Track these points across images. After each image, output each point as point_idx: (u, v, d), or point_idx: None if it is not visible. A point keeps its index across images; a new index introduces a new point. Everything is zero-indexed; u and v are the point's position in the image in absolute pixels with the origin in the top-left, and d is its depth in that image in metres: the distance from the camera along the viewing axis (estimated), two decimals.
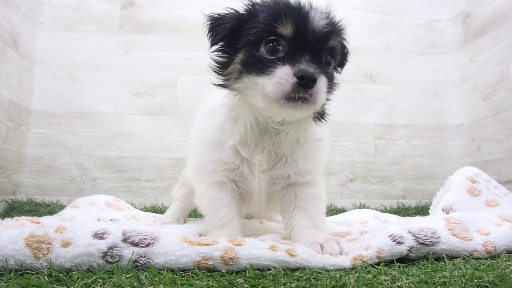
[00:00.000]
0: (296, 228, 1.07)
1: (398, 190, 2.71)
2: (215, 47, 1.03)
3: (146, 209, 2.17)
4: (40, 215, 1.75)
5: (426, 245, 0.97)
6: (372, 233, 1.03)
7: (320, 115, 1.08)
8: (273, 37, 0.93)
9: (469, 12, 2.71)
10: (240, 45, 0.98)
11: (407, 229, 1.00)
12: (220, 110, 1.09)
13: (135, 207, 2.08)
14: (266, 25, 0.93)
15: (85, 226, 0.88)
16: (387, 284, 0.74)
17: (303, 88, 0.88)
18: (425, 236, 0.98)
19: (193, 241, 0.88)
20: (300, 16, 0.92)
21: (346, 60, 1.17)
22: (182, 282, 0.75)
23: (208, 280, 0.74)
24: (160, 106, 2.51)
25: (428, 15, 2.92)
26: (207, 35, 1.01)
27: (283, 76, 0.89)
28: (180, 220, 1.67)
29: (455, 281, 0.74)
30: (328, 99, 1.05)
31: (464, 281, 0.74)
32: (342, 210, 2.27)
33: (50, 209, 2.03)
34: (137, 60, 2.55)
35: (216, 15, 1.03)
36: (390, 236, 0.96)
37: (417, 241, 0.96)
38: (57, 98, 2.44)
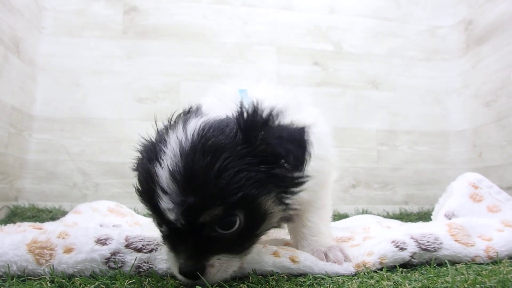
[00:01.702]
0: (299, 237, 1.04)
1: (401, 195, 2.70)
2: None
3: (148, 215, 2.17)
4: (42, 221, 1.75)
5: (429, 251, 0.96)
6: (375, 239, 1.03)
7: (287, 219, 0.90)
8: (150, 211, 0.77)
9: (471, 19, 2.72)
10: None
11: (409, 235, 1.00)
12: None
13: (137, 213, 2.08)
14: (140, 195, 0.78)
15: (88, 232, 0.89)
16: None
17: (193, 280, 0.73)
18: (427, 242, 0.98)
19: None
20: (154, 202, 0.72)
21: (300, 165, 0.76)
22: None
23: (211, 286, 0.74)
24: (163, 111, 2.49)
25: (430, 22, 2.93)
26: None
27: (172, 265, 0.77)
28: None
29: (457, 286, 0.74)
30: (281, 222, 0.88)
31: (466, 286, 0.74)
32: (345, 216, 2.26)
33: (53, 215, 2.03)
34: (140, 66, 2.56)
35: None
36: (393, 242, 0.96)
37: (420, 247, 0.96)
38: (59, 104, 2.46)
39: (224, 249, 0.75)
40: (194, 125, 0.76)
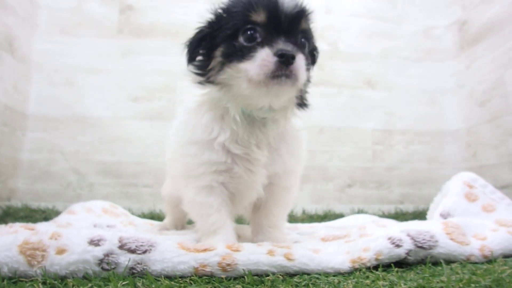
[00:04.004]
0: (258, 224, 1.18)
1: (396, 195, 2.71)
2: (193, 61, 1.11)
3: (144, 215, 2.16)
4: (35, 221, 1.73)
5: (424, 248, 0.97)
6: (372, 236, 1.03)
7: (302, 101, 1.14)
8: (249, 26, 0.99)
9: (466, 19, 2.73)
10: (218, 41, 1.04)
11: (406, 232, 1.00)
12: (202, 109, 1.12)
13: (132, 213, 2.06)
14: (240, 16, 1.00)
15: (80, 233, 0.88)
16: None
17: (284, 65, 0.94)
18: (423, 239, 0.98)
19: (191, 248, 0.88)
20: (271, 1, 0.99)
21: (317, 52, 1.26)
22: None
23: (206, 287, 0.73)
24: (158, 111, 2.50)
25: (425, 22, 2.94)
26: (186, 55, 1.10)
27: (264, 57, 0.95)
28: (178, 226, 1.66)
29: (452, 286, 0.74)
30: (308, 81, 1.14)
31: (461, 285, 0.74)
32: (340, 215, 2.27)
33: (46, 215, 2.01)
34: (135, 65, 2.55)
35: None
36: (389, 238, 0.97)
37: (415, 245, 0.96)
38: (54, 103, 2.43)
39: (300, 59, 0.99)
40: None
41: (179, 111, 1.33)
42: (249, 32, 0.99)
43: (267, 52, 0.95)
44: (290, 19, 1.00)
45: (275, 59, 0.94)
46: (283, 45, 0.96)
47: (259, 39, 0.99)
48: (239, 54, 0.99)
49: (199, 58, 1.10)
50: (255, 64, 0.96)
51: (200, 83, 1.09)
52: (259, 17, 0.99)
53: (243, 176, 1.09)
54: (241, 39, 1.00)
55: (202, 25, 1.10)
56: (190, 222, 1.92)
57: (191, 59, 1.09)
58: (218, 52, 1.04)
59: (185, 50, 1.10)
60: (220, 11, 1.08)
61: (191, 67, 1.10)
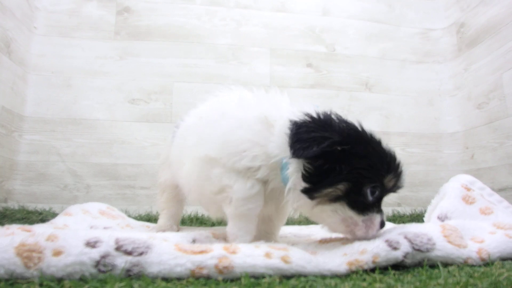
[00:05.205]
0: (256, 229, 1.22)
1: (393, 197, 2.71)
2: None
3: (140, 217, 2.15)
4: (32, 223, 1.72)
5: (422, 251, 0.96)
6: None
7: None
8: (380, 186, 1.02)
9: (464, 22, 2.74)
10: (344, 173, 0.98)
11: (403, 234, 1.00)
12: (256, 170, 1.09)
13: (129, 215, 2.06)
14: (377, 172, 1.01)
15: (77, 235, 0.87)
16: None
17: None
18: (420, 242, 0.98)
19: (187, 250, 0.87)
20: (400, 174, 1.05)
21: None
22: None
23: None
24: (155, 113, 2.50)
25: (423, 25, 2.96)
26: (302, 141, 0.97)
27: (376, 223, 1.02)
28: (174, 226, 1.66)
29: None
30: None
31: None
32: None
33: (43, 217, 2.00)
34: (132, 67, 2.55)
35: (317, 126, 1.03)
36: (387, 241, 0.96)
37: (413, 247, 0.96)
38: (51, 105, 2.43)
39: None
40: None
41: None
42: (375, 190, 1.01)
43: (378, 221, 1.02)
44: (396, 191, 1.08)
45: (378, 227, 1.02)
46: (381, 214, 1.04)
47: (375, 198, 1.02)
48: (357, 202, 1.00)
49: (313, 165, 1.00)
50: (365, 223, 1.01)
51: (303, 192, 1.01)
52: (390, 183, 1.03)
53: None
54: (366, 190, 0.99)
55: (333, 137, 0.99)
56: (185, 223, 1.92)
57: (309, 157, 0.97)
58: (342, 186, 0.99)
59: (306, 140, 0.97)
60: (358, 146, 1.03)
61: (304, 161, 0.99)
